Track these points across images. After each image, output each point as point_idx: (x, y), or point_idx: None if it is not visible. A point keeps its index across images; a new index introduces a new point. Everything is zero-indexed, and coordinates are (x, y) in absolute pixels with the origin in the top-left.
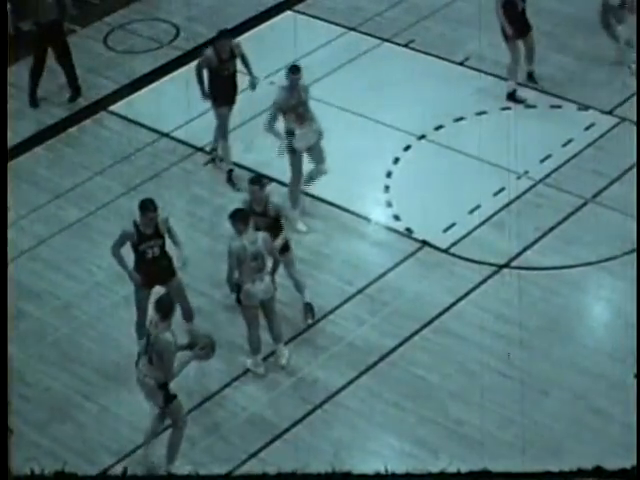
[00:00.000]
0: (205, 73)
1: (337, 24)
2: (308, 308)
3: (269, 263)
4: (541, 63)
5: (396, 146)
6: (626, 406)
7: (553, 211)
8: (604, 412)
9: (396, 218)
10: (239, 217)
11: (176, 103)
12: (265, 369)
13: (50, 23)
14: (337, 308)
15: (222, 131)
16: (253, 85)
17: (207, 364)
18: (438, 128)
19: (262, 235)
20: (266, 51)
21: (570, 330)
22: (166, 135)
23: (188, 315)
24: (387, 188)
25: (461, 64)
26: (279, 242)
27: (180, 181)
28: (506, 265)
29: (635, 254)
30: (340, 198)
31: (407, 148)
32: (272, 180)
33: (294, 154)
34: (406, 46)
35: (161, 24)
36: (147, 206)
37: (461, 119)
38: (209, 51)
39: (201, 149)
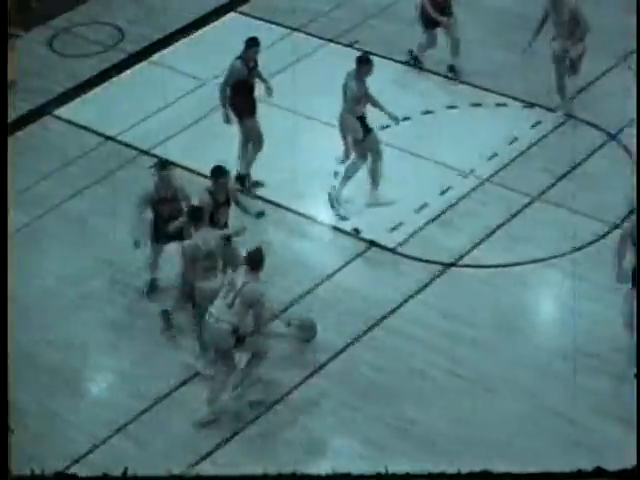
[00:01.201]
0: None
1: (281, 25)
2: None
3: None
4: (486, 61)
5: (341, 146)
6: (573, 403)
7: (500, 209)
8: (553, 409)
9: (343, 218)
10: (192, 216)
11: (121, 106)
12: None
13: None
14: (287, 309)
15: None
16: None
17: (157, 366)
18: (384, 128)
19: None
20: (211, 53)
21: (518, 328)
22: (112, 138)
23: None
24: (334, 188)
25: (406, 63)
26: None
27: (126, 184)
28: (453, 264)
29: (581, 251)
30: (288, 199)
31: None
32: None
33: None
34: (350, 46)
35: (105, 27)
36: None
37: (407, 119)
38: (238, 63)
39: (146, 152)
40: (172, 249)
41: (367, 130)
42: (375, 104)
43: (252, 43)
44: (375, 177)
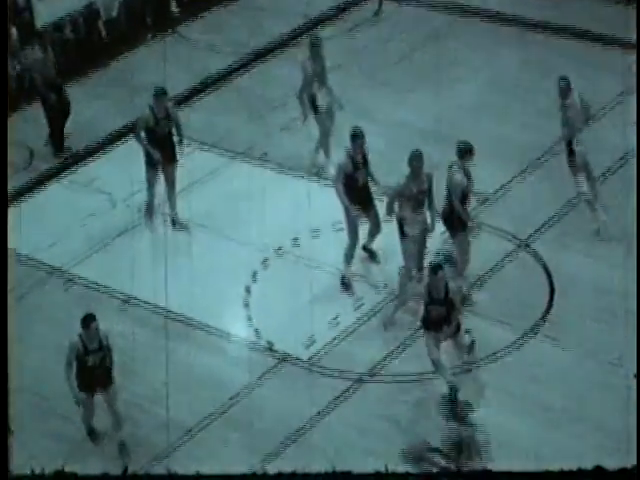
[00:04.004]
0: None
1: (190, 139)
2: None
3: None
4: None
5: (254, 261)
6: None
7: (414, 319)
8: None
9: (257, 333)
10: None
11: (33, 226)
12: None
13: None
14: (201, 428)
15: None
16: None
17: None
18: (295, 240)
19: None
20: (126, 170)
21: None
22: (25, 258)
23: None
24: (247, 304)
25: (315, 175)
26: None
27: (41, 305)
28: (369, 375)
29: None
30: (200, 315)
31: (265, 262)
32: None
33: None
34: (259, 159)
35: (15, 147)
36: None
37: (317, 230)
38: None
39: (60, 270)
40: None
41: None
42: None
43: (356, 135)
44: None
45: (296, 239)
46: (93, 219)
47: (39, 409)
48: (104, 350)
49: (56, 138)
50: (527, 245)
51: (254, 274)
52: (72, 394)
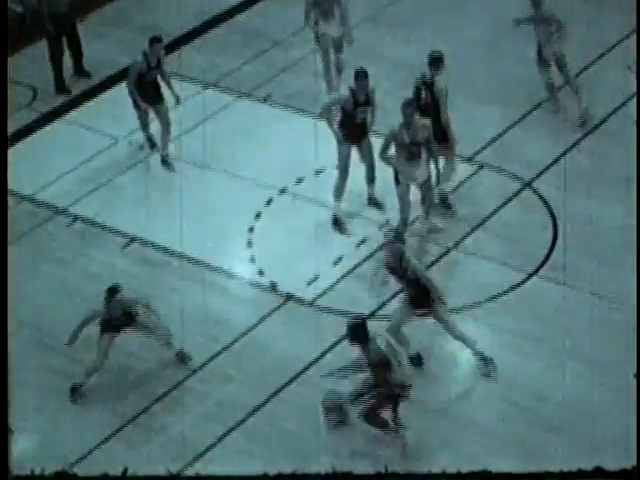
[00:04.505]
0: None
1: (194, 80)
2: None
3: None
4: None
5: (258, 201)
6: (497, 452)
7: (416, 260)
8: (471, 458)
9: (260, 273)
10: None
11: (35, 166)
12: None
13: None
14: (204, 365)
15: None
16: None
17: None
18: (299, 181)
19: None
20: (125, 112)
21: (438, 378)
22: (27, 198)
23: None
24: (250, 243)
25: (319, 116)
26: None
27: (43, 244)
28: (371, 316)
29: (497, 300)
30: (203, 255)
31: (269, 202)
32: None
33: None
34: (264, 101)
35: (17, 87)
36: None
37: (321, 171)
38: (345, 94)
39: (63, 211)
40: None
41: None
42: None
43: (359, 75)
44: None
45: (300, 179)
46: (95, 158)
47: (41, 345)
48: (132, 317)
49: (59, 77)
50: (529, 185)
51: (258, 214)
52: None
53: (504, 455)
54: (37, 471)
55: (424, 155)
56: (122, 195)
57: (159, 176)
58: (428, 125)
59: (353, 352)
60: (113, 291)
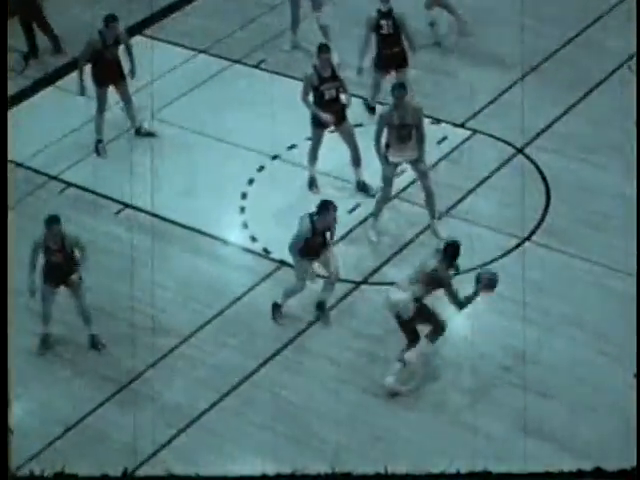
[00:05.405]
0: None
1: (186, 47)
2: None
3: None
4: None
5: (250, 167)
6: (492, 419)
7: (409, 225)
8: (470, 424)
9: (253, 239)
10: None
11: (28, 132)
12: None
13: None
14: (197, 331)
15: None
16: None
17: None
18: (291, 147)
19: None
20: None
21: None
22: (20, 165)
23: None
24: (242, 209)
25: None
26: (74, 277)
27: (37, 210)
28: (364, 281)
29: (491, 265)
30: (195, 221)
31: (261, 169)
32: None
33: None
34: (257, 67)
35: (11, 53)
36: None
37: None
38: (310, 71)
39: (55, 177)
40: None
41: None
42: None
43: (322, 49)
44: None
45: (293, 145)
46: (87, 125)
47: (37, 313)
48: (66, 250)
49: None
50: (522, 150)
51: (250, 180)
52: (27, 283)
53: (496, 418)
54: (37, 471)
55: (414, 137)
56: (115, 162)
57: (152, 142)
58: (419, 108)
59: (347, 317)
60: (52, 221)
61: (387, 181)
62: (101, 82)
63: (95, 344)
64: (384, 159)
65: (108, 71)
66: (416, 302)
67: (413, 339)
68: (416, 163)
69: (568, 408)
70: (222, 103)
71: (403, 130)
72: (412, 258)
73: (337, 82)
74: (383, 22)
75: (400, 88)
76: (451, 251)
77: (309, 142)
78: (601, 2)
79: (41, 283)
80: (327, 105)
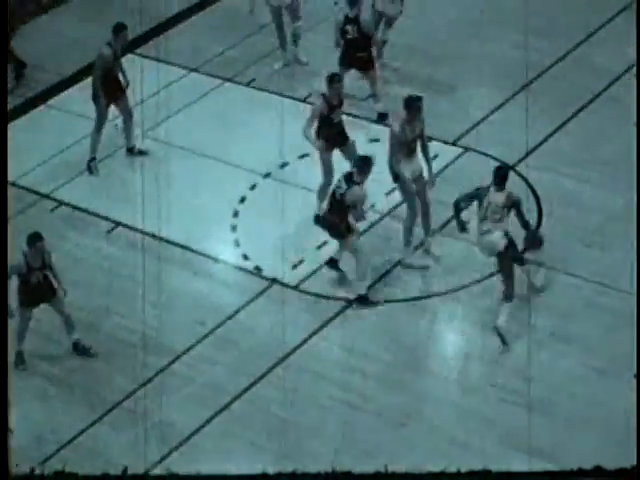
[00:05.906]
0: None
1: (178, 65)
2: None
3: None
4: (385, 96)
5: (242, 185)
6: (482, 435)
7: (401, 243)
8: (460, 442)
9: (245, 257)
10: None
11: (19, 151)
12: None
13: None
14: (189, 349)
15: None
16: None
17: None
18: (283, 166)
19: None
20: None
21: (424, 361)
22: (12, 184)
23: None
24: (234, 227)
25: (303, 100)
26: (59, 294)
27: (29, 228)
28: (357, 299)
29: (483, 283)
30: (188, 239)
31: (253, 187)
32: None
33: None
34: (248, 85)
35: None
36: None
37: (305, 156)
38: (318, 102)
39: (46, 196)
40: None
41: None
42: None
43: (333, 79)
44: None
45: (285, 163)
46: (79, 143)
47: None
48: (46, 268)
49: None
50: (513, 168)
51: (242, 198)
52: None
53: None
54: (37, 471)
55: (418, 149)
56: (106, 180)
57: (143, 161)
58: (422, 119)
59: (339, 335)
60: (35, 238)
61: (413, 195)
62: (109, 98)
63: (80, 349)
64: (394, 178)
65: (114, 86)
66: (506, 235)
67: (510, 274)
68: (421, 176)
69: (561, 423)
70: (213, 122)
71: (412, 144)
72: (405, 276)
73: (342, 107)
74: (348, 27)
75: (417, 101)
76: (501, 173)
77: (301, 160)
78: (592, 18)
79: (18, 306)
80: (332, 128)
